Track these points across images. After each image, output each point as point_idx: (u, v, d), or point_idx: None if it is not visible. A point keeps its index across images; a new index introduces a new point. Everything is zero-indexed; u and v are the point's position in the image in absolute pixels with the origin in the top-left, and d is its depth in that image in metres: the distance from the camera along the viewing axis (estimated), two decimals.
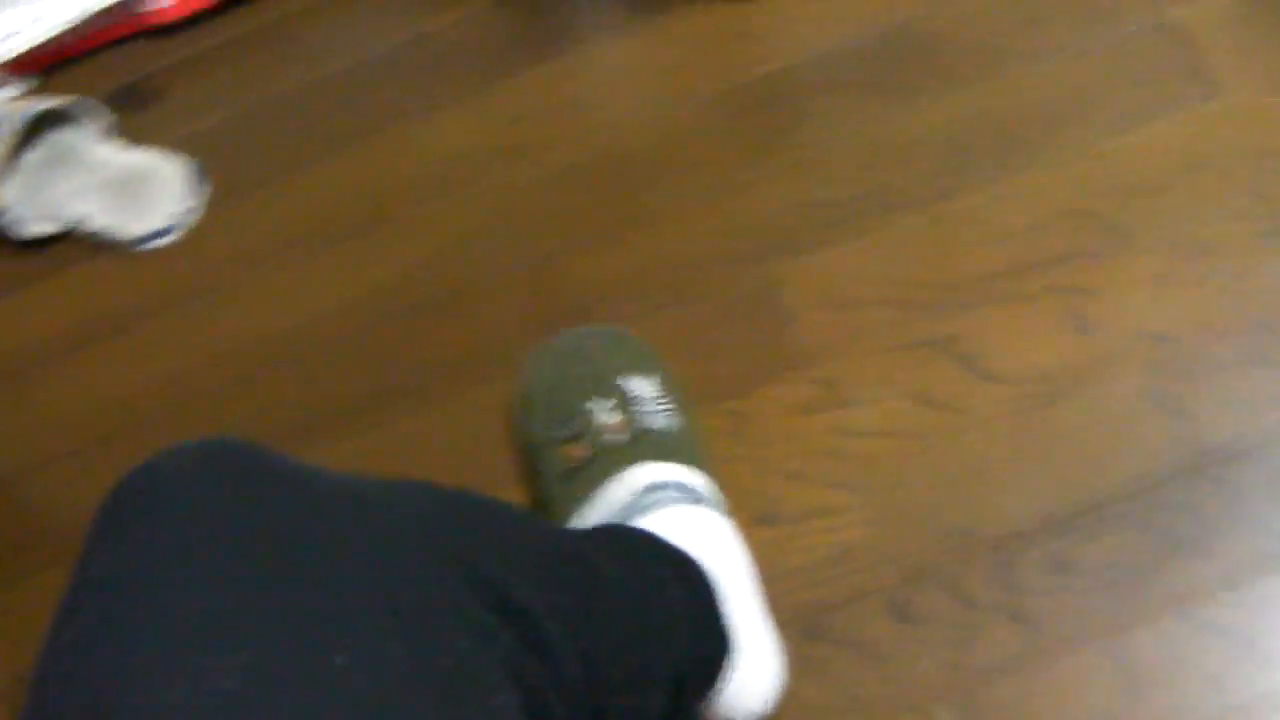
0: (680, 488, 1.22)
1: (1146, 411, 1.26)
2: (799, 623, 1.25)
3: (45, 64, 1.69)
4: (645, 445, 1.25)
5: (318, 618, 0.72)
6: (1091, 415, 1.27)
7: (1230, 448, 1.24)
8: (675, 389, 1.31)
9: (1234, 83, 1.35)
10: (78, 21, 1.62)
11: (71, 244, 1.59)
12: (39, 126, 1.58)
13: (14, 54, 1.63)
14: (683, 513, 1.19)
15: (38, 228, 1.57)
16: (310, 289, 1.48)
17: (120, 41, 1.71)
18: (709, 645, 1.14)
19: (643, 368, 1.31)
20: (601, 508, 1.22)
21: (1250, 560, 1.20)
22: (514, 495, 1.34)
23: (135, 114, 1.64)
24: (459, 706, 0.76)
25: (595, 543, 1.13)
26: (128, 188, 1.56)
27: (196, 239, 1.55)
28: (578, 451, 1.26)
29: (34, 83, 1.69)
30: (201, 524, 0.73)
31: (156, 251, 1.55)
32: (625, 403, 1.28)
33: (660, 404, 1.28)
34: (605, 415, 1.27)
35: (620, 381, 1.30)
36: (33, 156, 1.58)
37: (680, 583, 1.12)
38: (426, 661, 0.76)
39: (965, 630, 1.22)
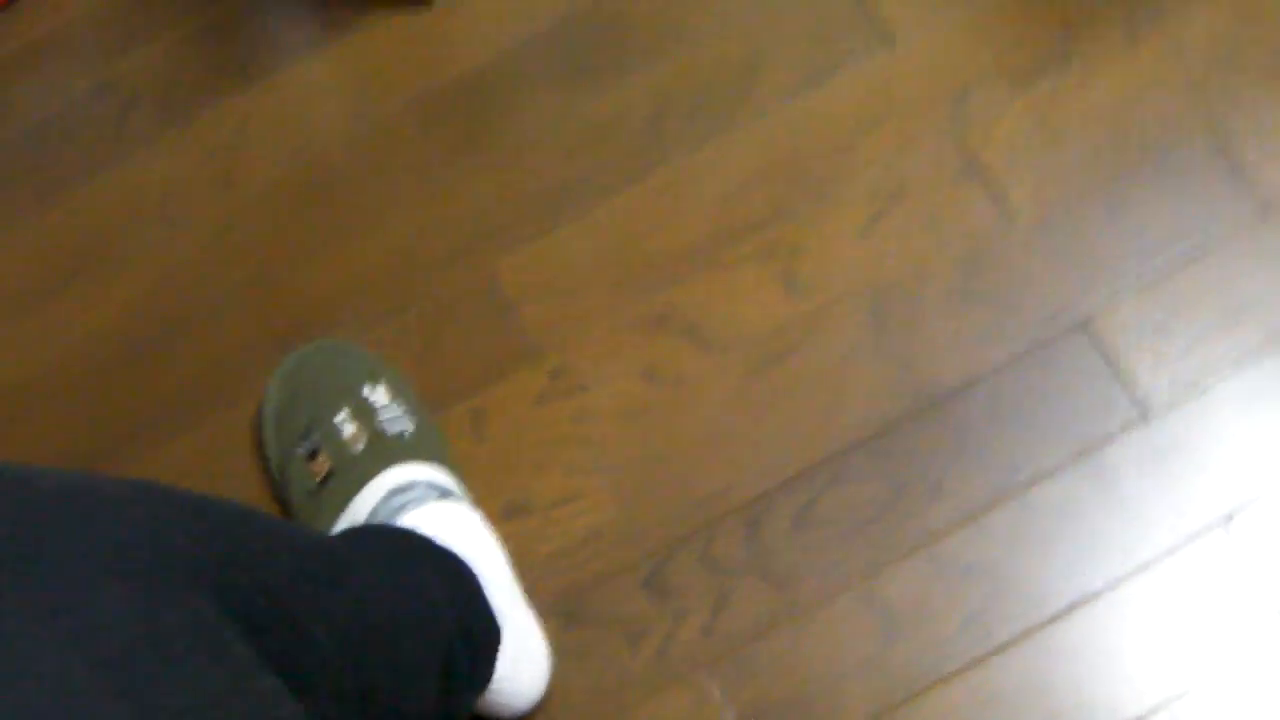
0: (427, 486, 1.23)
1: (866, 360, 1.30)
2: (559, 609, 1.27)
3: None
4: (385, 450, 1.25)
5: (44, 592, 0.72)
6: (814, 371, 1.31)
7: (950, 385, 1.29)
8: (407, 392, 1.31)
9: (905, 33, 1.40)
10: None
11: None
12: None
13: None
14: (434, 509, 1.20)
15: None
16: (32, 342, 1.44)
17: None
18: (475, 630, 1.15)
19: (372, 375, 1.31)
20: (354, 517, 1.22)
21: (984, 494, 1.26)
22: None
23: None
24: (181, 658, 0.76)
25: (348, 542, 1.13)
26: None
27: None
28: (320, 465, 1.26)
29: None
30: None
31: None
32: (359, 412, 1.28)
33: (394, 408, 1.29)
34: (342, 426, 1.27)
35: (352, 391, 1.30)
36: None
37: (439, 573, 1.14)
38: (153, 622, 0.76)
39: (719, 596, 1.26)
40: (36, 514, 0.76)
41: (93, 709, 0.69)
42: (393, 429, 1.27)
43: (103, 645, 0.72)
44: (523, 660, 1.21)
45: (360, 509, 1.22)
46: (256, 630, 0.84)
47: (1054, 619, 1.22)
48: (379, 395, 1.30)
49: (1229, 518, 1.23)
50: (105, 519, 0.80)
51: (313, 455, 1.27)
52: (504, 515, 1.30)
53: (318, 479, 1.26)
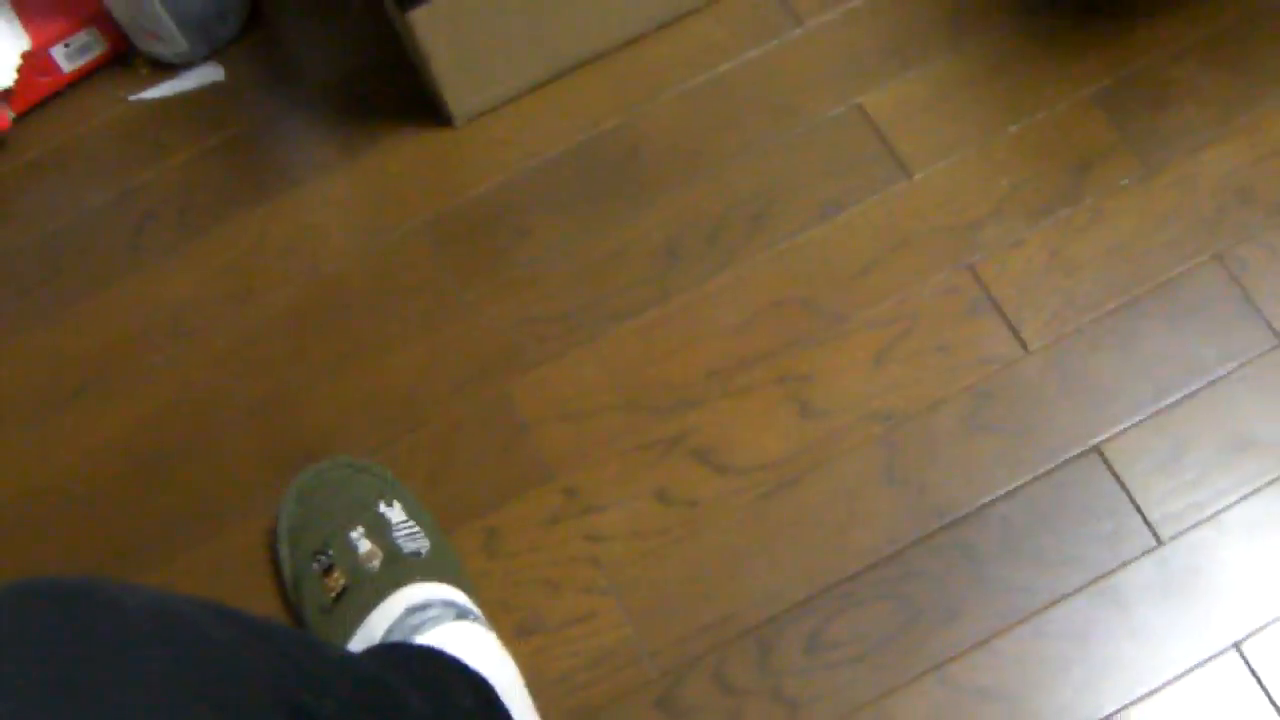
0: (444, 604, 1.22)
1: (878, 486, 1.31)
2: None
3: None
4: (401, 568, 1.25)
5: (128, 715, 0.71)
6: (826, 495, 1.31)
7: (963, 510, 1.29)
8: (421, 511, 1.31)
9: (921, 162, 1.43)
10: None
11: None
12: None
13: None
14: (452, 629, 1.20)
15: None
16: (41, 455, 1.43)
17: None
18: None
19: (387, 493, 1.31)
20: (370, 633, 1.21)
21: (996, 617, 1.25)
22: None
23: None
24: None
25: (386, 664, 1.13)
26: None
27: None
28: (335, 581, 1.26)
29: None
30: (6, 650, 0.72)
31: None
32: (375, 529, 1.28)
33: (409, 526, 1.29)
34: (357, 543, 1.27)
35: (367, 509, 1.30)
36: None
37: (471, 694, 1.13)
38: None
39: (732, 717, 1.25)
40: (123, 635, 0.76)
41: None
42: (408, 546, 1.27)
43: None
44: None
45: (376, 626, 1.21)
46: None
47: None
48: (394, 512, 1.30)
49: (1241, 643, 1.23)
50: (187, 639, 0.80)
51: (328, 571, 1.27)
52: (517, 634, 1.29)
53: (333, 595, 1.26)
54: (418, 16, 1.38)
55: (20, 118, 1.61)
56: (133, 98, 1.60)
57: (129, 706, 0.73)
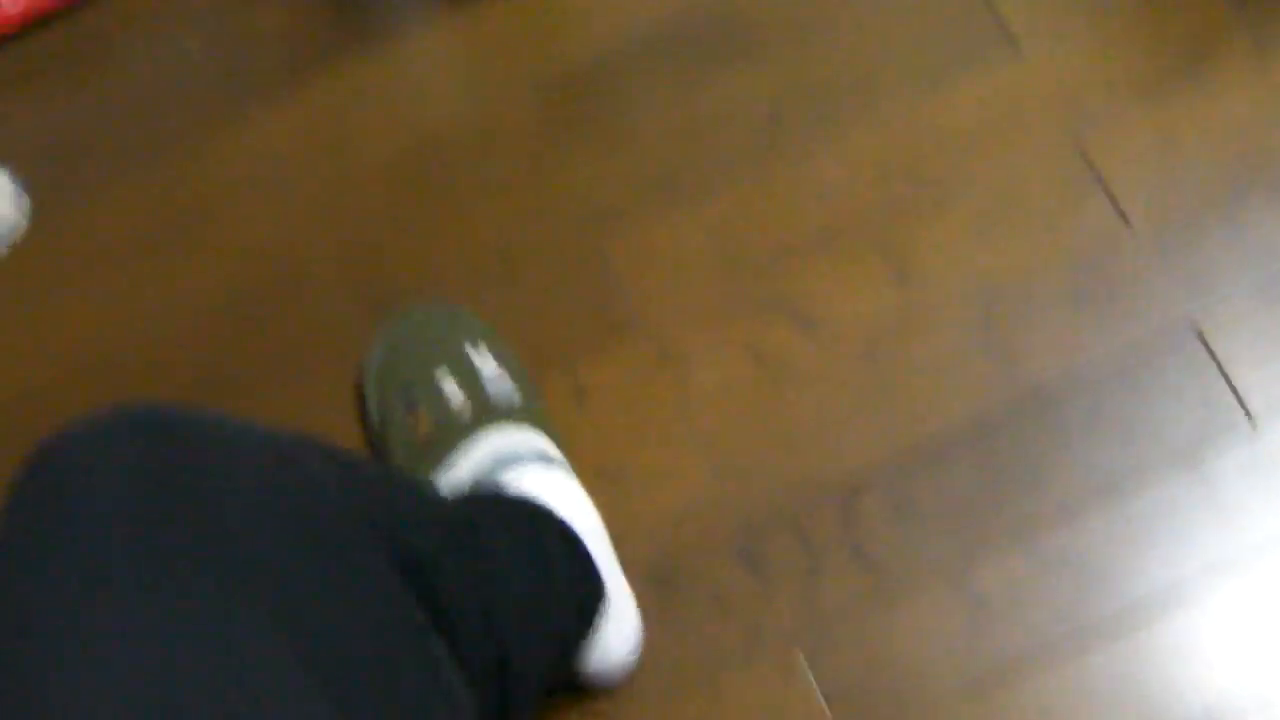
0: (531, 451, 1.23)
1: (972, 355, 1.30)
2: (651, 577, 1.27)
3: None
4: (488, 413, 1.26)
5: (237, 552, 0.73)
6: (920, 361, 1.31)
7: (1053, 385, 1.29)
8: (513, 359, 1.32)
9: (1031, 39, 1.41)
10: None
11: None
12: None
13: None
14: (539, 476, 1.21)
15: None
16: (145, 292, 1.45)
17: None
18: (588, 600, 1.16)
19: (479, 340, 1.32)
20: (456, 475, 1.22)
21: (1081, 492, 1.25)
22: None
23: None
24: (367, 624, 0.77)
25: (476, 507, 1.14)
26: None
27: (22, 253, 1.52)
28: (424, 424, 1.27)
29: None
30: (115, 479, 0.73)
31: None
32: (465, 374, 1.29)
33: (499, 372, 1.29)
34: (447, 388, 1.28)
35: (459, 354, 1.30)
36: None
37: (559, 542, 1.14)
38: (344, 587, 0.77)
39: (813, 575, 1.25)
40: (227, 465, 0.78)
41: (281, 680, 0.70)
42: (497, 392, 1.28)
43: (291, 605, 0.73)
44: (615, 627, 1.21)
45: (463, 468, 1.23)
46: (421, 596, 0.85)
47: (1149, 617, 1.21)
48: (484, 358, 1.30)
49: None
50: (295, 477, 0.81)
51: (415, 412, 1.28)
52: (601, 484, 1.30)
53: (419, 437, 1.27)
54: None
55: None
56: None
57: (237, 539, 0.74)
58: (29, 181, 1.52)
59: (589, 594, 1.17)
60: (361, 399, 1.36)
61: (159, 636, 0.67)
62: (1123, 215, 1.33)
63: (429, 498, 1.05)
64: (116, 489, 0.72)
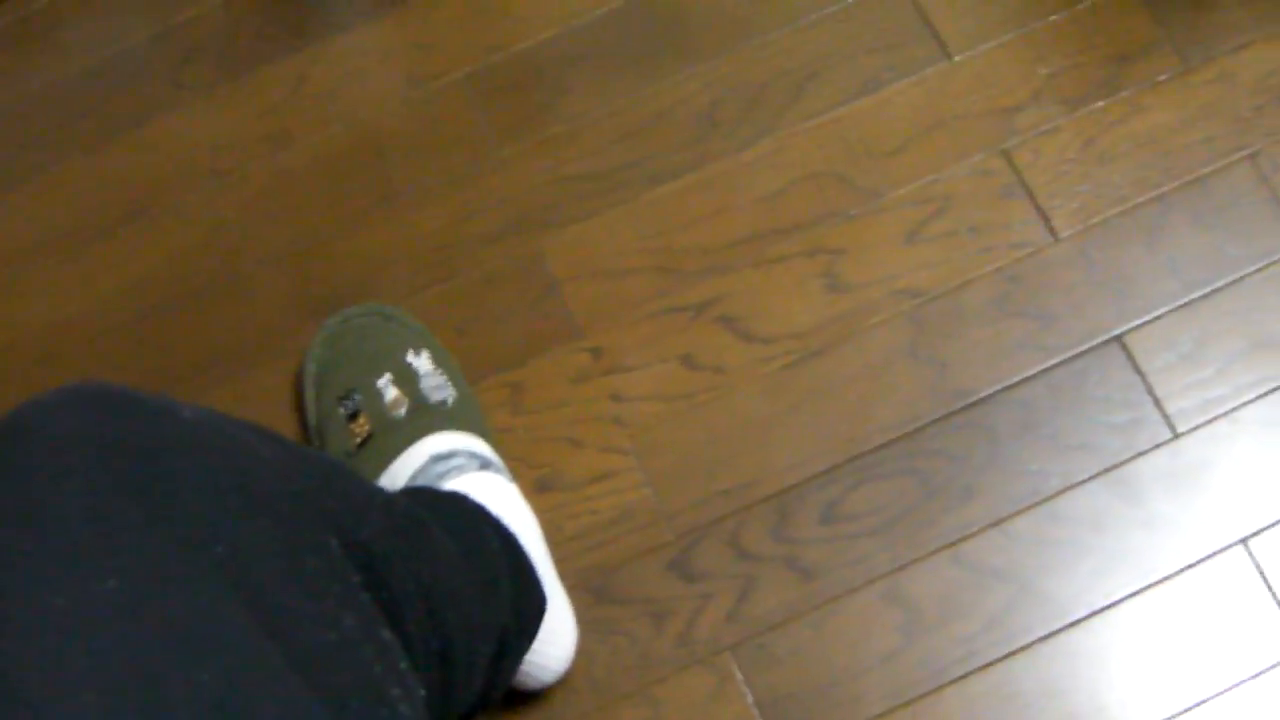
0: (468, 455, 1.24)
1: (902, 362, 1.33)
2: (586, 585, 1.29)
3: None
4: (426, 417, 1.27)
5: (193, 521, 0.73)
6: (851, 369, 1.33)
7: (984, 391, 1.31)
8: (449, 361, 1.33)
9: (962, 45, 1.43)
10: None
11: None
12: None
13: None
14: (476, 479, 1.22)
15: None
16: (77, 284, 1.44)
17: None
18: (526, 600, 1.17)
19: (415, 343, 1.32)
20: (394, 480, 1.23)
21: (1011, 499, 1.28)
22: None
23: None
24: (322, 600, 0.78)
25: (416, 501, 1.15)
26: None
27: None
28: (360, 427, 1.27)
29: None
30: (72, 450, 0.74)
31: None
32: (402, 377, 1.29)
33: (436, 376, 1.30)
34: (384, 390, 1.28)
35: (395, 357, 1.31)
36: None
37: (497, 539, 1.15)
38: (296, 560, 0.77)
39: (746, 581, 1.27)
40: (182, 442, 0.78)
41: (246, 645, 0.70)
42: (435, 396, 1.29)
43: (252, 581, 0.73)
44: (551, 633, 1.22)
45: (400, 472, 1.23)
46: (368, 583, 0.86)
47: (1074, 624, 1.24)
48: (422, 362, 1.31)
49: (1249, 539, 1.25)
50: (242, 452, 0.81)
51: (353, 416, 1.28)
52: (537, 489, 1.32)
53: (357, 440, 1.27)
54: None
55: None
56: None
57: (196, 514, 0.74)
58: None
59: (526, 596, 1.18)
60: (299, 397, 1.36)
61: (126, 613, 0.68)
62: (1049, 225, 1.35)
63: (368, 486, 1.05)
64: (73, 464, 0.73)
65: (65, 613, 0.67)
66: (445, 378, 1.31)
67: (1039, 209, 1.36)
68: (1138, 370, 1.30)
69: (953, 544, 1.27)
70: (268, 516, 0.78)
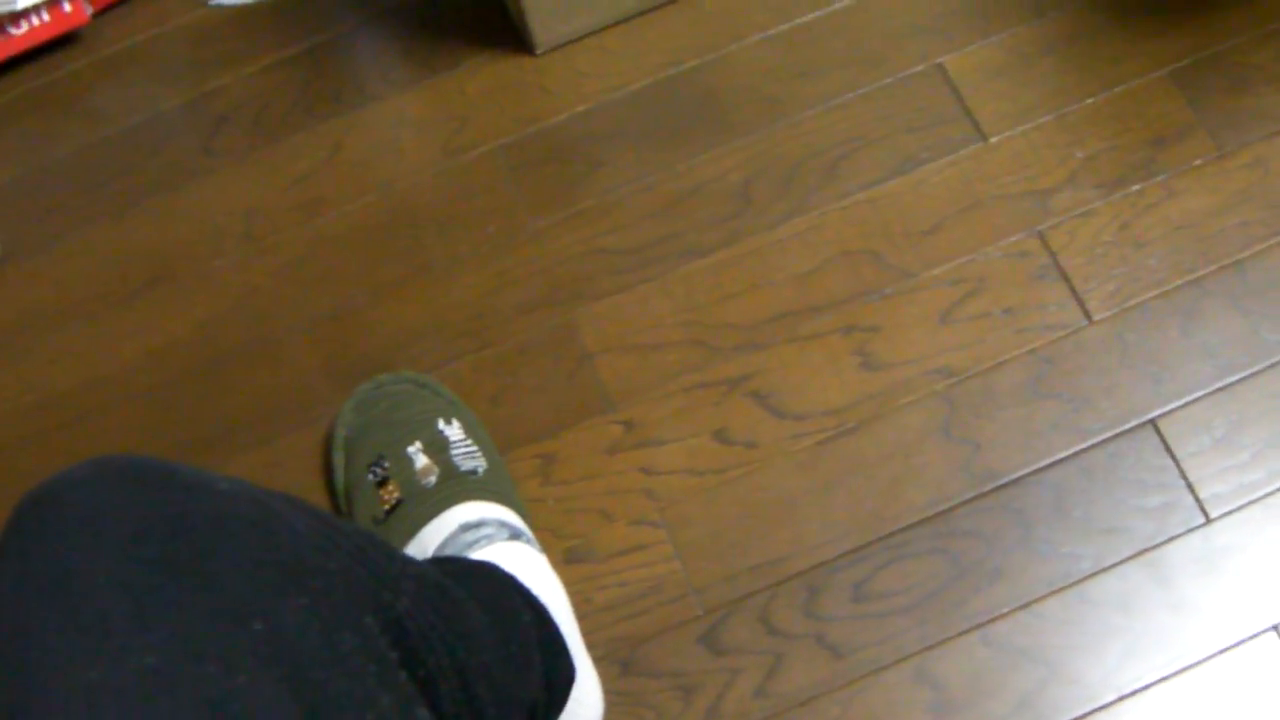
0: (498, 524, 1.23)
1: (935, 442, 1.32)
2: (614, 657, 1.28)
3: None
4: (456, 486, 1.26)
5: (230, 596, 0.73)
6: (883, 448, 1.33)
7: (1015, 474, 1.31)
8: (480, 431, 1.33)
9: (997, 126, 1.44)
10: None
11: None
12: None
13: None
14: (506, 549, 1.21)
15: None
16: (105, 348, 1.45)
17: None
18: (556, 672, 1.16)
19: (447, 411, 1.32)
20: (422, 548, 1.23)
21: (1043, 581, 1.27)
22: None
23: None
24: (360, 679, 0.77)
25: (446, 572, 1.14)
26: None
27: None
28: (389, 494, 1.27)
29: None
30: (104, 523, 0.73)
31: None
32: (432, 445, 1.29)
33: (467, 445, 1.30)
34: (414, 457, 1.28)
35: (426, 425, 1.31)
36: None
37: (528, 611, 1.14)
38: (334, 637, 0.77)
39: (775, 658, 1.27)
40: (217, 516, 0.77)
41: None
42: (465, 465, 1.28)
43: (290, 658, 0.72)
44: (578, 703, 1.22)
45: (429, 541, 1.23)
46: (404, 659, 0.85)
47: (1104, 708, 1.23)
48: (453, 430, 1.31)
49: None
50: (278, 528, 0.81)
51: (383, 483, 1.28)
52: (566, 561, 1.31)
53: (386, 507, 1.27)
54: None
55: (99, 14, 1.61)
56: (212, 2, 1.60)
57: (233, 589, 0.74)
58: None
59: (556, 668, 1.17)
60: (327, 464, 1.36)
61: (162, 689, 0.67)
62: (1084, 307, 1.35)
63: (399, 557, 1.05)
64: (107, 537, 0.72)
65: (98, 687, 0.66)
66: (476, 447, 1.31)
67: (1074, 291, 1.36)
68: (1171, 454, 1.30)
69: (982, 624, 1.26)
70: (305, 593, 0.78)
